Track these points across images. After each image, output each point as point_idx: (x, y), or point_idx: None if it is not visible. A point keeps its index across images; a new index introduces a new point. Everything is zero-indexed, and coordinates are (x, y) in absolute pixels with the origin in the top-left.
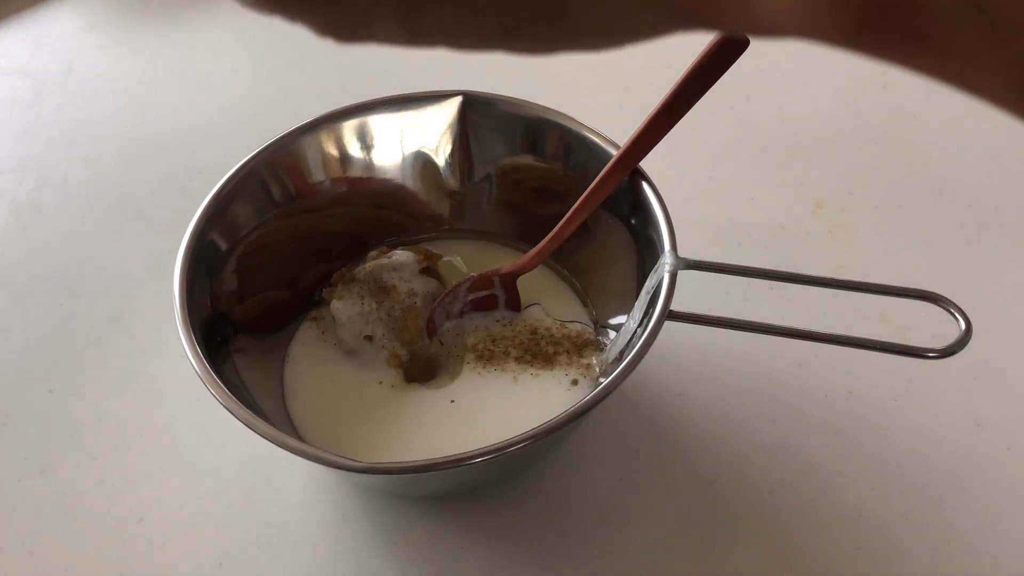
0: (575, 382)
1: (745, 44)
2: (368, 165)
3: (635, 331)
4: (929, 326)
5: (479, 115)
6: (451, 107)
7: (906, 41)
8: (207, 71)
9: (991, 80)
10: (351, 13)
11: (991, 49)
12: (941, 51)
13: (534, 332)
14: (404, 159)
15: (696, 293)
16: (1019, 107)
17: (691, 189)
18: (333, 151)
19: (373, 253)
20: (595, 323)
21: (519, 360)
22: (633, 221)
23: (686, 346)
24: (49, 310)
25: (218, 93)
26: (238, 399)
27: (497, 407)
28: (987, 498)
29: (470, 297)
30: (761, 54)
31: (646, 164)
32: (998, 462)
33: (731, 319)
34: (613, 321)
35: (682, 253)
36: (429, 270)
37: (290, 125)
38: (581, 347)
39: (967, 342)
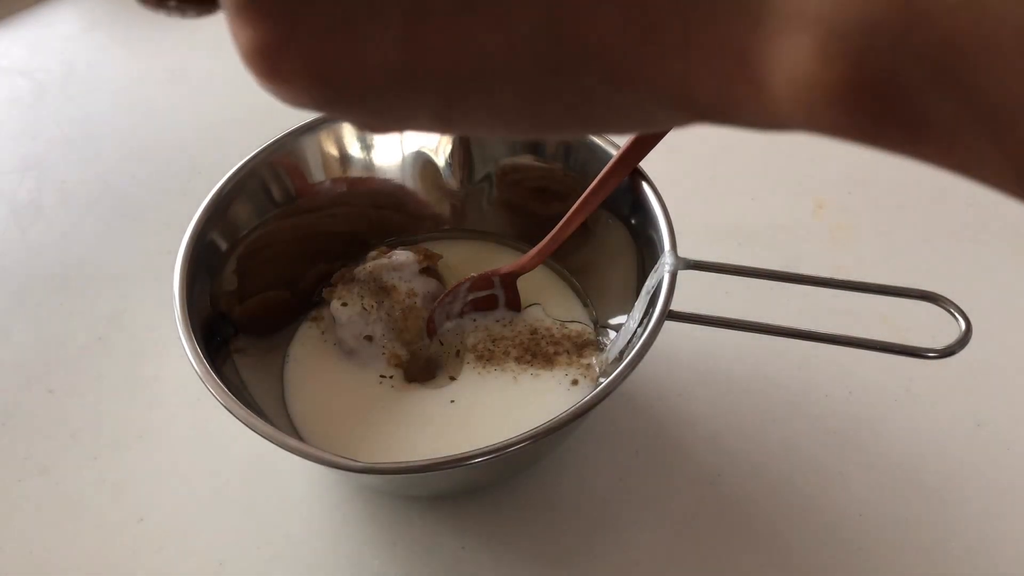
0: (575, 382)
1: None
2: (368, 165)
3: (635, 331)
4: (929, 326)
5: None
6: None
7: (908, 139)
8: (207, 71)
9: (992, 170)
10: (390, 117)
11: (989, 143)
12: (943, 146)
13: (534, 332)
14: (404, 159)
15: (696, 293)
16: (1021, 193)
17: (691, 189)
18: (333, 151)
19: (373, 253)
20: (595, 323)
21: (519, 360)
22: (633, 221)
23: (686, 346)
24: (49, 310)
25: (218, 93)
26: (238, 399)
27: (497, 407)
28: (987, 498)
29: (470, 297)
30: None
31: (646, 164)
32: (998, 462)
33: (731, 319)
34: (613, 321)
35: (682, 253)
36: (429, 270)
37: (290, 125)
38: (581, 347)
39: (967, 342)
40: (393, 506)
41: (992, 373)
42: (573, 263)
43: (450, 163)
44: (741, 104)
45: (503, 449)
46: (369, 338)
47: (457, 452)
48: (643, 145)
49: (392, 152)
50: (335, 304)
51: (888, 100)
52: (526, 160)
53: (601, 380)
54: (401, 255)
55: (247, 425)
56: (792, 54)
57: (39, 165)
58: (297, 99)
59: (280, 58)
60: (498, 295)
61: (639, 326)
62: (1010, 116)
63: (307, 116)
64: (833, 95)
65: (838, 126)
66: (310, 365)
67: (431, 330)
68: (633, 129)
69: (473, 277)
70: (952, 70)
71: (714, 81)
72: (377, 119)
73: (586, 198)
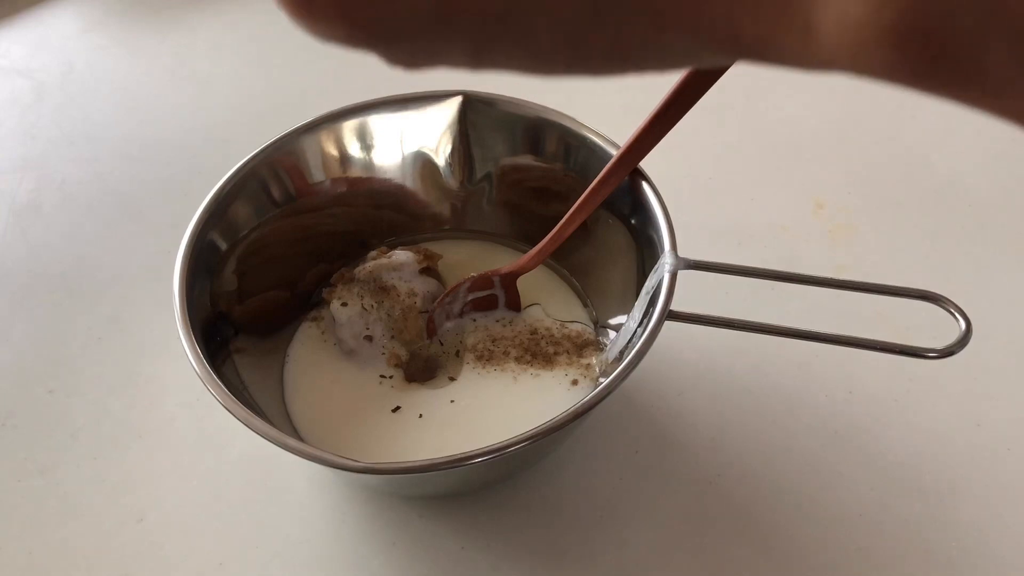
0: (575, 382)
1: None
2: (368, 165)
3: (635, 331)
4: (929, 326)
5: (479, 115)
6: (451, 107)
7: (958, 83)
8: (207, 71)
9: None
10: (423, 55)
11: None
12: (994, 91)
13: (534, 332)
14: (404, 159)
15: (696, 293)
16: None
17: (691, 189)
18: (333, 151)
19: (373, 253)
20: (595, 323)
21: (519, 360)
22: (633, 221)
23: (686, 346)
24: (49, 310)
25: (218, 93)
26: (238, 399)
27: (497, 407)
28: (987, 498)
29: (470, 297)
30: None
31: (646, 164)
32: (998, 462)
33: (731, 319)
34: (613, 321)
35: (682, 253)
36: (429, 270)
37: (290, 125)
38: (581, 347)
39: (967, 342)
40: (393, 506)
41: (992, 373)
42: (573, 263)
43: (450, 163)
44: (786, 45)
45: (503, 449)
46: (369, 338)
47: (457, 452)
48: (643, 144)
49: (392, 152)
50: (335, 304)
51: (939, 44)
52: (526, 160)
53: (601, 380)
54: (401, 255)
55: (247, 425)
56: None
57: (39, 165)
58: (328, 35)
59: None
60: (498, 295)
61: (639, 326)
62: None
63: (307, 116)
64: (883, 38)
65: (886, 69)
66: (310, 365)
67: (431, 330)
68: (674, 67)
69: (473, 277)
70: (1006, 15)
71: (760, 22)
72: (409, 57)
73: (586, 198)
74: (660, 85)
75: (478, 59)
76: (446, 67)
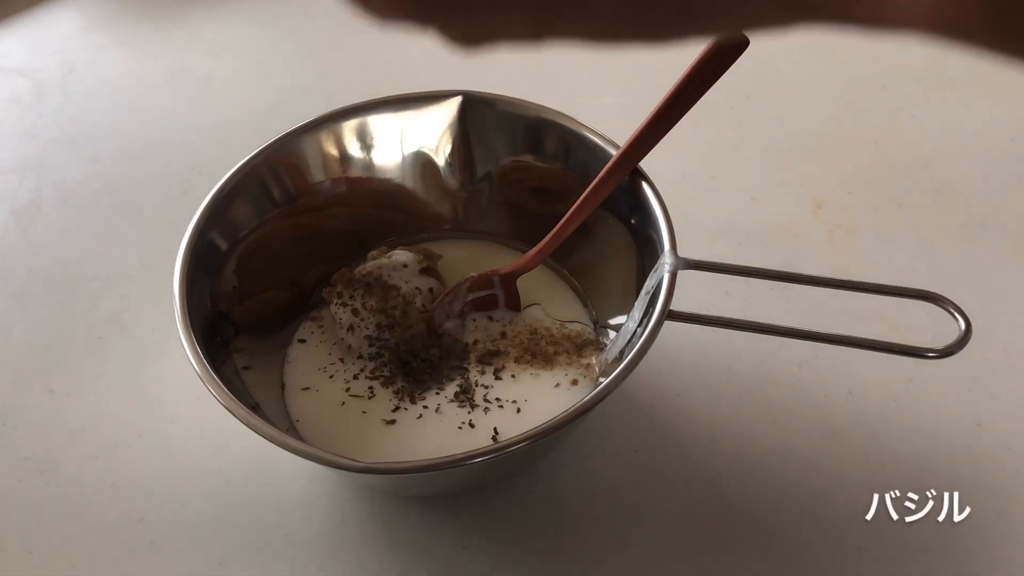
0: (575, 382)
1: (744, 45)
2: (368, 165)
3: (635, 331)
4: (929, 326)
5: (479, 115)
6: (451, 107)
7: None
8: (207, 71)
9: None
10: (483, 25)
11: None
12: None
13: (534, 332)
14: (404, 159)
15: (696, 293)
16: None
17: (691, 189)
18: (333, 151)
19: (373, 253)
20: (595, 323)
21: (519, 360)
22: (633, 221)
23: (686, 346)
24: (49, 310)
25: (218, 93)
26: (238, 399)
27: (497, 407)
28: (987, 498)
29: (470, 297)
30: (761, 54)
31: (646, 164)
32: (998, 462)
33: (731, 319)
34: (613, 321)
35: (682, 253)
36: (429, 270)
37: (290, 125)
38: (581, 347)
39: (967, 342)
40: (393, 506)
41: (992, 373)
42: (573, 263)
43: (450, 163)
44: (862, 3)
45: (503, 449)
46: (369, 338)
47: (457, 452)
48: (643, 144)
49: (392, 152)
50: (335, 304)
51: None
52: (526, 160)
53: (601, 380)
54: (401, 255)
55: (247, 425)
56: None
57: (39, 165)
58: (386, 13)
59: None
60: (498, 295)
61: (639, 326)
62: None
63: (307, 116)
64: None
65: (958, 26)
66: (310, 365)
67: (431, 330)
68: (738, 28)
69: (473, 277)
70: None
71: None
72: (467, 32)
73: (586, 198)
74: (660, 85)
75: (538, 31)
76: (506, 44)
